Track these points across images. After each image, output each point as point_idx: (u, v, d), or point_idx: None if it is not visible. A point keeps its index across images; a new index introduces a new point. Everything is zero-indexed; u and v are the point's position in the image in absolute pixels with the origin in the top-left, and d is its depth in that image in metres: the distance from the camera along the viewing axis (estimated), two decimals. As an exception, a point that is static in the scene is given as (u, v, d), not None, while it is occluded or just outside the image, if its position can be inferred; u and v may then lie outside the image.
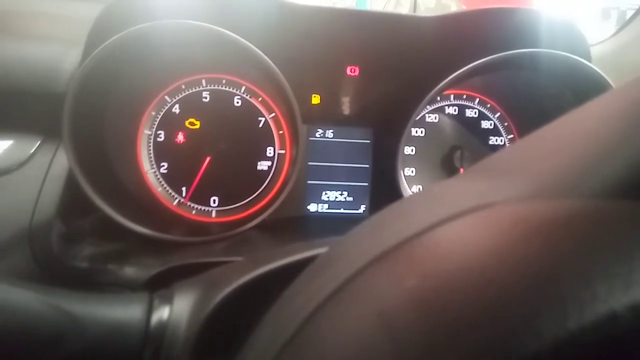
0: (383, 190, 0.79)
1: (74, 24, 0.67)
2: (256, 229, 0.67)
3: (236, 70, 0.74)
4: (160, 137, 0.73)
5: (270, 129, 0.76)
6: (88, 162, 0.59)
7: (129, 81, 0.68)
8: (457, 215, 0.18)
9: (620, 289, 0.11)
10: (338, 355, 0.16)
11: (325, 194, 0.80)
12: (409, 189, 0.80)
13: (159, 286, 0.37)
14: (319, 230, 0.77)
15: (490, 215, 0.18)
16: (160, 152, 0.73)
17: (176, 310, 0.33)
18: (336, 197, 0.80)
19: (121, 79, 0.67)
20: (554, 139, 0.22)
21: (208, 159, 0.73)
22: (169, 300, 0.34)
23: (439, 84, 0.66)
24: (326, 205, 0.80)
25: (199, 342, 0.32)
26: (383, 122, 0.78)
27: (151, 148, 0.73)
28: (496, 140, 0.83)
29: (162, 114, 0.73)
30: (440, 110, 0.82)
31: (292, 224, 0.77)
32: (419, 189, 0.82)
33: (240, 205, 0.76)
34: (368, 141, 0.80)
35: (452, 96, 0.81)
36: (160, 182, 0.73)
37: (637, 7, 0.81)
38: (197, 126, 0.74)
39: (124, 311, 0.32)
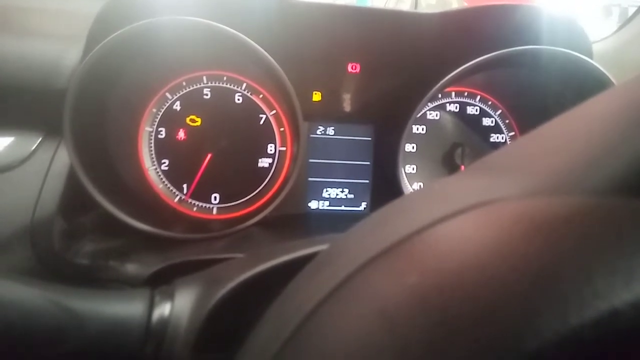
0: (384, 187, 0.79)
1: (75, 20, 0.67)
2: (257, 226, 0.67)
3: (237, 67, 0.74)
4: (162, 134, 0.73)
5: (271, 126, 0.76)
6: (89, 159, 0.59)
7: (130, 78, 0.68)
8: (458, 212, 0.18)
9: (621, 286, 0.11)
10: (339, 352, 0.16)
11: (326, 191, 0.80)
12: (410, 187, 0.80)
13: (160, 283, 0.37)
14: (320, 228, 0.77)
15: (491, 212, 0.18)
16: (161, 149, 0.73)
17: (177, 306, 0.33)
18: (337, 195, 0.80)
19: (122, 76, 0.67)
20: (555, 136, 0.22)
21: (209, 156, 0.73)
22: (170, 296, 0.34)
23: (440, 81, 0.66)
24: (327, 203, 0.80)
25: (200, 338, 0.32)
26: (384, 119, 0.78)
27: (152, 145, 0.73)
28: (497, 138, 0.83)
29: (163, 110, 0.73)
30: (442, 107, 0.81)
31: (293, 221, 0.77)
32: (420, 186, 0.82)
33: (241, 203, 0.76)
34: (369, 138, 0.80)
35: (453, 93, 0.81)
36: (161, 179, 0.73)
37: (639, 4, 0.81)
38: (198, 123, 0.74)
39: (126, 307, 0.33)
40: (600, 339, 0.11)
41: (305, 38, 0.70)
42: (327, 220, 0.78)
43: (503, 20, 0.70)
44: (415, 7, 1.61)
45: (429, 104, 0.80)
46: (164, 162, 0.73)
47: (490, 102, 0.82)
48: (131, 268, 0.57)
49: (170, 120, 0.73)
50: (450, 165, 0.81)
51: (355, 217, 0.76)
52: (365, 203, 0.81)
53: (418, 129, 0.81)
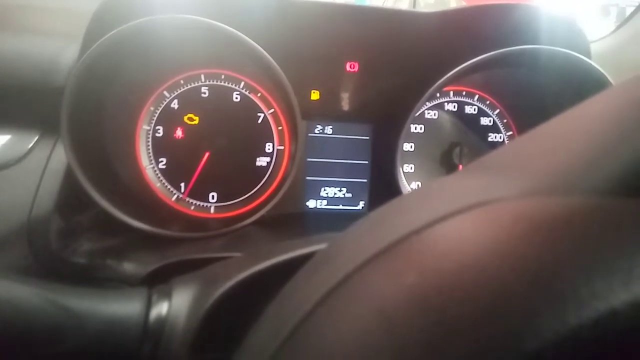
0: (382, 186, 0.79)
1: (73, 18, 0.66)
2: (255, 225, 0.67)
3: (235, 66, 0.73)
4: (159, 133, 0.73)
5: (269, 124, 0.76)
6: (86, 157, 0.59)
7: (127, 76, 0.68)
8: (456, 212, 0.18)
9: (620, 286, 0.11)
10: (337, 352, 0.16)
11: (324, 190, 0.80)
12: (408, 186, 0.80)
13: (158, 282, 0.37)
14: (318, 227, 0.77)
15: (489, 212, 0.17)
16: (159, 147, 0.73)
17: (175, 305, 0.33)
18: (335, 194, 0.80)
19: (120, 74, 0.67)
20: (553, 136, 0.22)
21: (207, 154, 0.73)
22: (167, 295, 0.34)
23: (438, 80, 0.66)
24: (325, 202, 0.80)
25: (197, 337, 0.32)
26: (382, 118, 0.78)
27: (150, 143, 0.73)
28: (495, 137, 0.83)
29: (160, 109, 0.72)
30: (440, 106, 0.81)
31: (291, 220, 0.77)
32: (418, 185, 0.82)
33: (239, 201, 0.76)
34: (367, 137, 0.80)
35: (451, 93, 0.81)
36: (159, 177, 0.73)
37: (637, 4, 0.81)
38: (196, 122, 0.73)
39: (123, 306, 0.33)
40: (599, 339, 0.11)
41: (304, 36, 0.70)
42: (325, 220, 0.78)
43: (501, 19, 0.70)
44: (414, 6, 1.61)
45: (427, 103, 0.80)
46: (162, 161, 0.73)
47: (488, 102, 0.82)
48: (128, 267, 0.56)
49: (168, 118, 0.73)
50: (448, 164, 0.81)
51: (353, 216, 0.76)
52: (363, 202, 0.81)
53: (416, 128, 0.81)
